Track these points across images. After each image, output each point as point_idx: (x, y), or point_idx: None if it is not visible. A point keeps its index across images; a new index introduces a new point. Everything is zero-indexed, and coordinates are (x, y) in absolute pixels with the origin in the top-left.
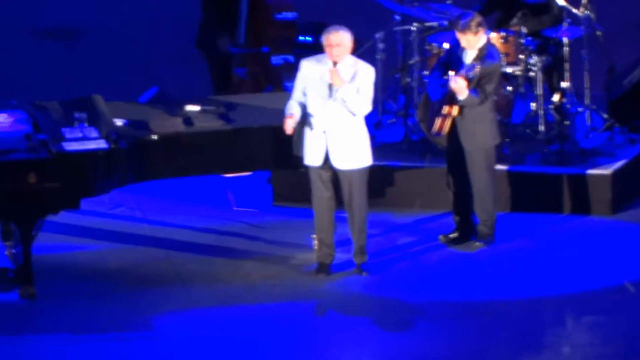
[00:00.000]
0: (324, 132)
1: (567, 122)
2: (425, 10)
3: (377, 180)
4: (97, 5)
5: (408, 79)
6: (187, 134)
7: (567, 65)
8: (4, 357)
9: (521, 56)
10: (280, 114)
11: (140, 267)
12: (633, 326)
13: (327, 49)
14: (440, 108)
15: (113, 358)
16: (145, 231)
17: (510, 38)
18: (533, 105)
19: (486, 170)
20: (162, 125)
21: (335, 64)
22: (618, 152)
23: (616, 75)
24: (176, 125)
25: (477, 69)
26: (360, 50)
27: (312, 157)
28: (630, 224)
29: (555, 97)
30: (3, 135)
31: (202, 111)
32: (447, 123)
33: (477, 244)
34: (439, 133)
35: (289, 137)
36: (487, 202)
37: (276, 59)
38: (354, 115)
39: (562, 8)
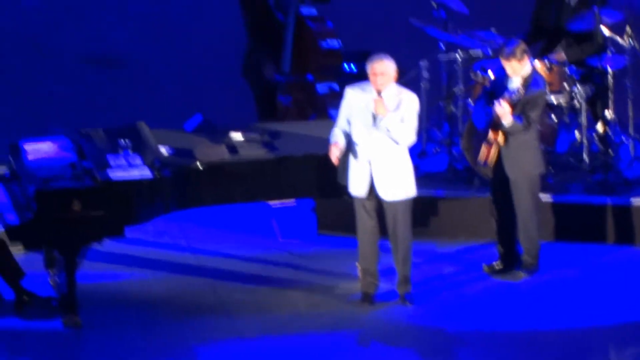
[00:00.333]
0: (369, 161)
1: (610, 152)
2: (470, 38)
3: (421, 209)
4: (143, 33)
5: (452, 108)
6: (232, 162)
7: (611, 95)
8: None
9: (565, 85)
10: (325, 142)
11: (185, 296)
12: None
13: (371, 78)
14: (486, 137)
15: None
16: (189, 260)
17: (555, 67)
18: (577, 134)
19: (531, 199)
20: (207, 153)
21: (379, 92)
22: None
23: None
24: (221, 153)
25: (521, 90)
26: (405, 79)
27: (356, 186)
28: None
29: (599, 127)
30: (48, 163)
31: (246, 139)
32: (493, 152)
33: (521, 273)
34: (485, 162)
35: (334, 166)
36: (531, 232)
37: (321, 87)
38: (398, 144)
39: (606, 37)
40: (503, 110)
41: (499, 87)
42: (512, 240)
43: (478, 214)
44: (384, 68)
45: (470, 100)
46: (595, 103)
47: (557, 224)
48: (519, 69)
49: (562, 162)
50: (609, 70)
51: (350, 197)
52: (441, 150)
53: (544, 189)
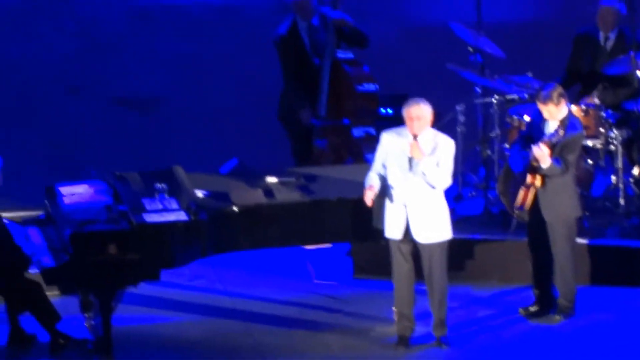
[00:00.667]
0: (405, 205)
1: None
2: (506, 83)
3: (457, 252)
4: (178, 75)
5: (488, 152)
6: (268, 206)
7: None
8: None
9: (601, 129)
10: (361, 186)
11: (220, 339)
12: None
13: (407, 122)
14: (523, 180)
15: None
16: (225, 303)
17: (591, 111)
18: (613, 178)
19: (567, 243)
20: (243, 196)
21: (415, 136)
22: None
23: None
24: (257, 196)
25: (561, 132)
26: (441, 122)
27: (392, 229)
28: None
29: (636, 171)
30: (84, 206)
31: (282, 183)
32: (530, 196)
33: (557, 317)
34: (521, 207)
35: (369, 210)
36: (568, 275)
37: (357, 131)
38: (433, 188)
39: None
40: (542, 153)
41: (535, 130)
42: (548, 284)
43: (514, 257)
44: (420, 112)
45: (506, 144)
46: (631, 147)
47: (593, 268)
48: (556, 113)
49: (598, 206)
50: None
51: (386, 241)
52: (477, 194)
53: (580, 232)
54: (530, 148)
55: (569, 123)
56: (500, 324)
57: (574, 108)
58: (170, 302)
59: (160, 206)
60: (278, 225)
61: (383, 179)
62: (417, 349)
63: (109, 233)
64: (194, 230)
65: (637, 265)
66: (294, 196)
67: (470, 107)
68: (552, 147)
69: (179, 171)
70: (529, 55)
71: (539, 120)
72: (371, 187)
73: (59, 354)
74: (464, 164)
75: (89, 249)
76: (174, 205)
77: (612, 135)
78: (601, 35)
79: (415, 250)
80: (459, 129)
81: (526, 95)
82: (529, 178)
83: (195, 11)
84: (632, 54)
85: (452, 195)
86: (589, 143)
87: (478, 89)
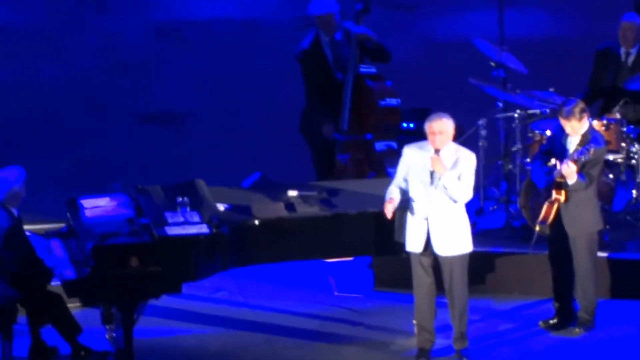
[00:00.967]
0: (426, 218)
1: None
2: (528, 98)
3: (478, 266)
4: (200, 90)
5: (510, 166)
6: (290, 219)
7: None
8: None
9: (623, 144)
10: (382, 200)
11: (241, 352)
12: None
13: (429, 137)
14: (545, 196)
15: None
16: (246, 316)
17: (612, 126)
18: (634, 192)
19: (589, 256)
20: (265, 210)
21: (437, 151)
22: None
23: None
24: (278, 210)
25: (592, 151)
26: (463, 137)
27: (413, 243)
28: None
29: None
30: (106, 219)
31: (304, 196)
32: (554, 210)
33: (578, 330)
34: (544, 221)
35: (391, 223)
36: (589, 288)
37: (379, 145)
38: (455, 202)
39: None
40: (570, 170)
41: (557, 145)
42: (569, 297)
43: (534, 271)
44: (442, 127)
45: (527, 158)
46: None
47: (614, 282)
48: (578, 128)
49: (619, 220)
50: None
51: (407, 254)
52: (498, 207)
53: (601, 246)
54: (551, 163)
55: (591, 137)
56: (520, 337)
57: (595, 123)
58: (191, 314)
59: (182, 219)
60: (299, 238)
61: (404, 193)
62: None
63: (130, 246)
64: (215, 243)
65: None
66: (316, 210)
67: (492, 122)
68: (582, 163)
69: (201, 184)
70: (551, 71)
71: (560, 135)
72: (391, 199)
73: None
74: (486, 178)
75: (111, 262)
76: (196, 218)
77: (634, 149)
78: (622, 51)
79: (436, 263)
80: (480, 143)
81: (548, 110)
82: (554, 194)
83: (219, 27)
84: None
85: (474, 209)
86: (610, 157)
87: (500, 104)
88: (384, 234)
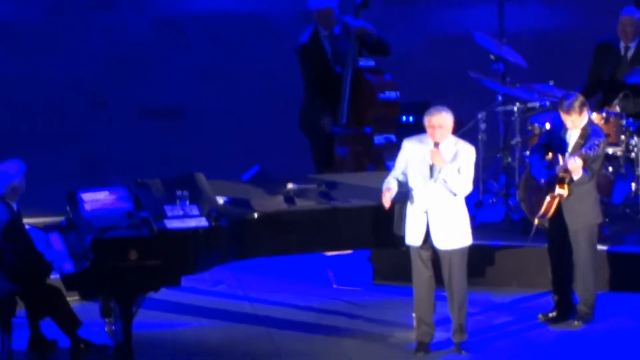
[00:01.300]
0: (425, 212)
1: None
2: (528, 91)
3: (477, 259)
4: (200, 85)
5: (509, 159)
6: (289, 213)
7: None
8: None
9: (622, 137)
10: (381, 193)
11: (240, 345)
12: None
13: (429, 130)
14: (545, 190)
15: None
16: (245, 309)
17: (612, 119)
18: (633, 185)
19: (589, 249)
20: (264, 203)
21: (437, 144)
22: None
23: None
24: (278, 203)
25: (602, 145)
26: (463, 130)
27: (413, 236)
28: None
29: None
30: (105, 213)
31: (303, 190)
32: (555, 204)
33: (577, 323)
34: (544, 215)
35: (390, 216)
36: (589, 281)
37: (378, 139)
38: (454, 195)
39: None
40: (577, 165)
41: (556, 139)
42: (568, 290)
43: (533, 264)
44: (442, 120)
45: (527, 151)
46: None
47: (613, 274)
48: (578, 122)
49: (618, 213)
50: None
51: (406, 247)
52: (498, 201)
53: (600, 239)
54: (549, 156)
55: (591, 131)
56: (519, 330)
57: (594, 116)
58: (190, 307)
59: (181, 212)
60: (298, 232)
61: (402, 185)
62: (436, 354)
63: (129, 239)
64: (214, 236)
65: None
66: (315, 203)
67: (491, 115)
68: (589, 159)
69: (200, 178)
70: (550, 64)
71: (560, 128)
72: (389, 189)
73: (80, 359)
74: (485, 171)
75: (110, 255)
76: (195, 211)
77: (633, 142)
78: (622, 45)
79: (435, 256)
80: (480, 137)
81: (547, 103)
82: (557, 188)
83: (220, 22)
84: None
85: (473, 202)
86: (610, 150)
87: (500, 97)
88: (383, 227)
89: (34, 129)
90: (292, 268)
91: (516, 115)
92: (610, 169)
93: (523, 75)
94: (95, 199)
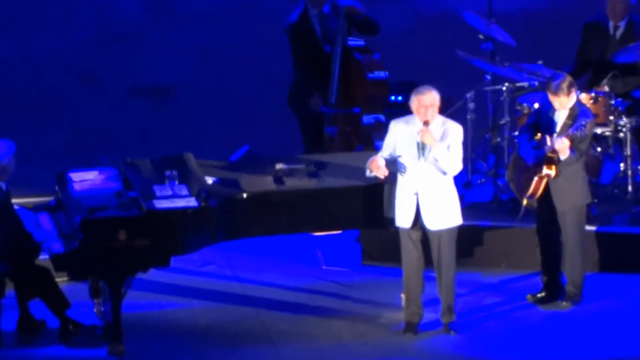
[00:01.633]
0: (415, 193)
1: None
2: (517, 71)
3: (466, 239)
4: (190, 64)
5: (498, 139)
6: (278, 193)
7: None
8: None
9: (611, 117)
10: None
11: (229, 326)
12: None
13: (418, 110)
14: (533, 170)
15: None
16: (235, 289)
17: (600, 99)
18: (622, 165)
19: (577, 230)
20: (253, 183)
21: (426, 123)
22: None
23: None
24: (266, 183)
25: (589, 126)
26: (451, 110)
27: (403, 219)
28: None
29: None
30: (95, 193)
31: (292, 170)
32: (543, 185)
33: (565, 303)
34: (532, 195)
35: (379, 197)
36: (577, 262)
37: (367, 118)
38: (444, 174)
39: None
40: (564, 146)
41: (544, 119)
42: (557, 271)
43: (522, 244)
44: (432, 100)
45: (516, 131)
46: None
47: (601, 255)
48: (566, 103)
49: (607, 193)
50: None
51: (396, 228)
52: (486, 181)
53: (588, 220)
54: (537, 137)
55: (579, 111)
56: (508, 311)
57: (583, 96)
58: (179, 288)
59: (170, 192)
60: (287, 212)
61: (391, 166)
62: (425, 335)
63: (119, 219)
64: (203, 216)
65: None
66: (304, 183)
67: (480, 95)
68: (577, 139)
69: (190, 158)
70: (539, 44)
71: (548, 108)
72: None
73: (69, 340)
74: (474, 151)
75: (99, 235)
76: (184, 191)
77: (622, 123)
78: (611, 24)
79: (424, 237)
80: (468, 116)
81: (536, 83)
82: (545, 169)
83: (210, 0)
84: None
85: (462, 182)
86: (598, 131)
87: (488, 77)
88: (372, 207)
89: (22, 106)
90: (281, 248)
91: (505, 95)
92: (599, 149)
93: (512, 55)
94: (84, 179)
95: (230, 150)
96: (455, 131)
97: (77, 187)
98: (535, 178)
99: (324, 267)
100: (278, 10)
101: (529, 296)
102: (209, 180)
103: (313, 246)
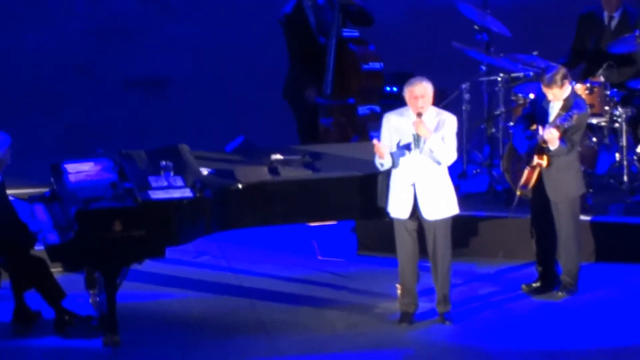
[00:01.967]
0: (412, 184)
1: None
2: (512, 61)
3: (461, 230)
4: (186, 56)
5: (493, 130)
6: (273, 183)
7: None
8: None
9: (606, 107)
10: (367, 164)
11: (224, 316)
12: None
13: (411, 101)
14: (527, 160)
15: None
16: (230, 280)
17: (596, 89)
18: (617, 156)
19: (572, 220)
20: (248, 174)
21: (420, 114)
22: None
23: None
24: (262, 174)
25: (575, 117)
26: (447, 101)
27: (399, 210)
28: None
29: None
30: (89, 184)
31: (287, 160)
32: (535, 175)
33: (560, 294)
34: (525, 186)
35: (374, 187)
36: (571, 252)
37: (362, 109)
38: (439, 164)
39: None
40: (552, 136)
41: (539, 110)
42: (552, 261)
43: (517, 235)
44: (424, 90)
45: (511, 122)
46: (636, 125)
47: (597, 245)
48: (560, 95)
49: (602, 184)
50: None
51: (391, 219)
52: (481, 171)
53: (584, 210)
54: (533, 127)
55: (573, 102)
56: (503, 301)
57: (578, 86)
58: (174, 279)
59: (165, 183)
60: (282, 202)
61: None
62: (420, 325)
63: (114, 210)
64: (198, 207)
65: None
66: (299, 174)
67: (475, 86)
68: (565, 129)
69: (185, 149)
70: (534, 34)
71: (542, 99)
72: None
73: (64, 330)
74: (469, 142)
75: (94, 226)
76: (179, 182)
77: (617, 113)
78: (605, 14)
79: (419, 227)
80: (464, 107)
81: (531, 74)
82: (536, 159)
83: None
84: (637, 32)
85: (457, 173)
86: (594, 121)
87: (483, 67)
88: (368, 197)
89: (17, 99)
90: (277, 239)
91: (500, 85)
92: (594, 139)
93: (507, 46)
94: (79, 170)
95: (225, 142)
96: (449, 122)
97: (72, 178)
98: (527, 168)
99: (319, 257)
100: (272, 2)
101: (524, 286)
102: (204, 171)
103: (308, 236)
